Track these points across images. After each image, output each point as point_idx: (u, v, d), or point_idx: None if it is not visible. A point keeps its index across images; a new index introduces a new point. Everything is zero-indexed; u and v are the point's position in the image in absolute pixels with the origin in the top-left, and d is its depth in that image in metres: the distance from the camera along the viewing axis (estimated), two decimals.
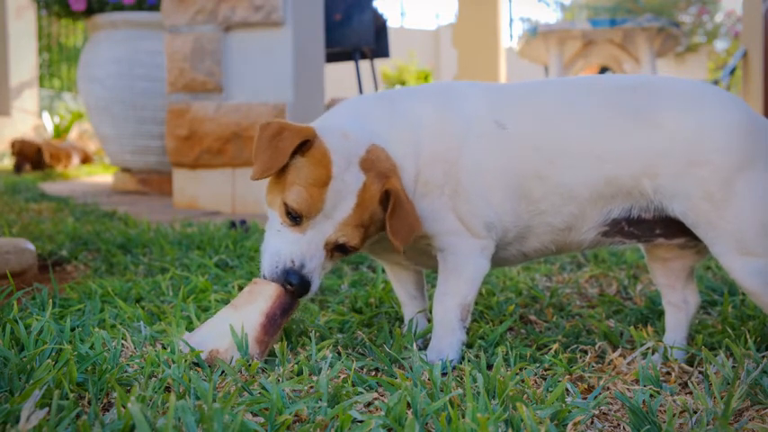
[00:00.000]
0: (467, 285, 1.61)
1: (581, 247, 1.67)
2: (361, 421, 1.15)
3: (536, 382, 1.45)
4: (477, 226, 1.60)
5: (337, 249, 1.52)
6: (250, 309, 1.49)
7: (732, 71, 7.87)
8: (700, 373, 1.50)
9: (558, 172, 1.56)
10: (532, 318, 1.98)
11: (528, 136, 1.58)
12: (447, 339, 1.59)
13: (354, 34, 6.01)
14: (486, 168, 1.58)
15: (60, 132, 11.07)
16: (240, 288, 2.22)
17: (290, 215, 1.48)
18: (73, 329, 1.68)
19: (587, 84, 1.65)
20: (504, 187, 1.58)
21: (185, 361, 1.39)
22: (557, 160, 1.56)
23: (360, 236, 1.50)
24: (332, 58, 6.28)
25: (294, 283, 1.47)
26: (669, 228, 1.59)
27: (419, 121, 1.60)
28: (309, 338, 1.61)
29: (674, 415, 1.23)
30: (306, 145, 1.48)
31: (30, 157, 8.26)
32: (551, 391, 1.32)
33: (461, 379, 1.42)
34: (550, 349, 1.62)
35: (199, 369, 1.43)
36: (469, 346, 1.65)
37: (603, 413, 1.29)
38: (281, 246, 1.49)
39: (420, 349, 1.65)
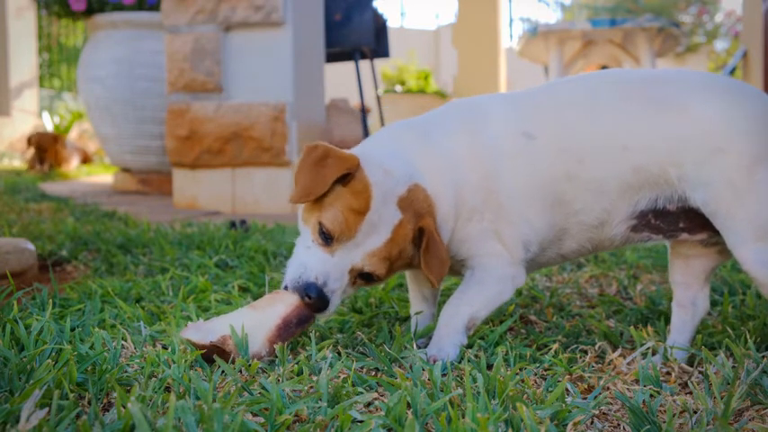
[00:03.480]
0: (484, 303, 1.64)
1: (613, 243, 1.69)
2: (361, 421, 1.15)
3: (536, 382, 1.45)
4: (515, 246, 1.64)
5: (361, 277, 1.56)
6: (269, 310, 1.51)
7: (732, 71, 7.86)
8: (700, 373, 1.50)
9: (588, 168, 1.59)
10: (532, 318, 1.98)
11: (556, 140, 1.61)
12: (448, 339, 1.60)
13: (354, 34, 6.01)
14: (523, 187, 1.61)
15: (60, 132, 11.06)
16: (240, 288, 2.22)
17: (323, 234, 1.51)
18: (73, 329, 1.68)
19: (610, 77, 1.67)
20: (540, 199, 1.62)
21: (185, 361, 1.39)
22: (586, 158, 1.59)
23: (385, 268, 1.54)
24: (332, 58, 6.28)
25: (313, 297, 1.49)
26: (692, 221, 1.60)
27: (454, 150, 1.63)
28: (309, 338, 1.61)
29: (674, 415, 1.23)
30: (348, 176, 1.51)
31: (47, 153, 8.14)
32: (551, 391, 1.32)
33: (461, 379, 1.42)
34: (550, 349, 1.62)
35: (199, 369, 1.43)
36: (469, 346, 1.65)
37: (603, 413, 1.29)
38: (309, 261, 1.52)
39: (419, 348, 1.65)
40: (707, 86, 1.57)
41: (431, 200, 1.58)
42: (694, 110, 1.53)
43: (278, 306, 1.51)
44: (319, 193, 1.49)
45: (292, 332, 1.50)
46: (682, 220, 1.61)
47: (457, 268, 1.72)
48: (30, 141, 8.21)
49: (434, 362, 1.52)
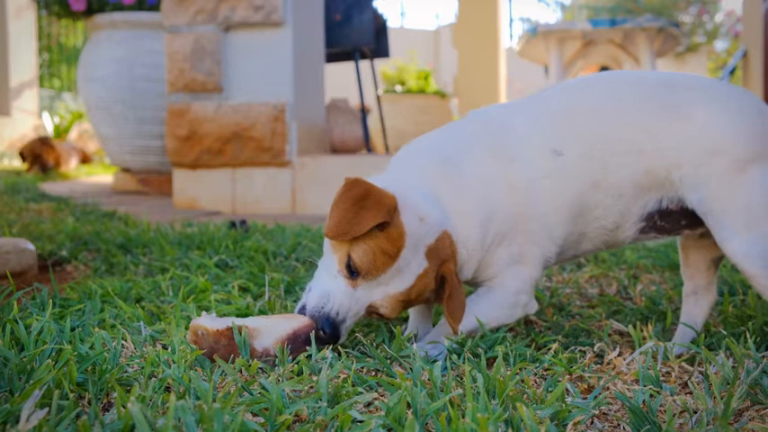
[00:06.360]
0: (491, 319, 1.68)
1: (624, 243, 1.76)
2: (361, 421, 1.15)
3: (536, 382, 1.45)
4: (537, 265, 1.69)
5: (375, 313, 1.58)
6: (283, 321, 1.54)
7: (732, 71, 7.86)
8: (700, 373, 1.50)
9: (610, 174, 1.63)
10: (532, 318, 1.98)
11: (582, 151, 1.64)
12: (445, 337, 1.62)
13: (354, 34, 6.01)
14: (554, 206, 1.64)
15: (60, 132, 11.05)
16: (240, 288, 2.22)
17: (350, 268, 1.52)
18: (73, 329, 1.68)
19: (626, 79, 1.73)
20: (567, 213, 1.66)
21: (185, 361, 1.39)
22: (609, 164, 1.63)
23: (400, 309, 1.57)
24: (332, 58, 6.28)
25: (326, 332, 1.52)
26: (693, 217, 1.66)
27: (487, 183, 1.64)
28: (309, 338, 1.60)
29: (674, 415, 1.23)
30: (386, 222, 1.51)
31: (41, 158, 8.10)
32: (551, 391, 1.32)
33: (461, 379, 1.42)
34: (550, 349, 1.62)
35: (199, 369, 1.43)
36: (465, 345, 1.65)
37: (603, 413, 1.29)
38: (334, 293, 1.54)
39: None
40: (710, 92, 1.64)
41: (454, 246, 1.60)
42: (697, 115, 1.60)
43: (291, 320, 1.54)
44: (355, 235, 1.49)
45: (298, 346, 1.52)
46: (684, 219, 1.68)
47: (476, 284, 1.75)
48: (23, 155, 8.14)
49: (426, 355, 1.55)
